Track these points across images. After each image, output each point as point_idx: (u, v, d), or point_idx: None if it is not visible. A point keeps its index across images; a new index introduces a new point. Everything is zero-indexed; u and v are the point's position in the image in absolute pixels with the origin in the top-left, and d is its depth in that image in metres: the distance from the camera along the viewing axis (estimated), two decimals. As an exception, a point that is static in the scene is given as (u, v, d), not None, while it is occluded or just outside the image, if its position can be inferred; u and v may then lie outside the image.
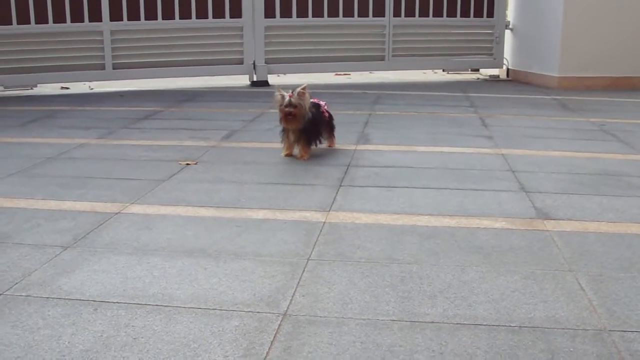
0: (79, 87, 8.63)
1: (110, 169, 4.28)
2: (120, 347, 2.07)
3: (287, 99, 4.36)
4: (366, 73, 9.97)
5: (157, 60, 8.56)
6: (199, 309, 2.32)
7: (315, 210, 3.43)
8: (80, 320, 2.24)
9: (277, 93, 4.44)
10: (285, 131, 4.53)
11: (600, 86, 8.40)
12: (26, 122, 6.04)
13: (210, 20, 8.62)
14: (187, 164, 4.40)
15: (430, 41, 9.44)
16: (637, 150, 4.91)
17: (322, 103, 4.64)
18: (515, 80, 9.49)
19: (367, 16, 9.14)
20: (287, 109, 4.36)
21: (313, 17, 8.95)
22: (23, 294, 2.44)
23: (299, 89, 4.39)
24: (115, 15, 8.28)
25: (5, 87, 8.22)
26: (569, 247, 2.93)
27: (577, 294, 2.46)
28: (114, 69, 8.40)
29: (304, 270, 2.66)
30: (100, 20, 8.22)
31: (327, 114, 4.69)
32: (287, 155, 4.57)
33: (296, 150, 4.57)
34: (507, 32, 9.71)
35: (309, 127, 4.47)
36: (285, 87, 4.45)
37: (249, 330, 2.17)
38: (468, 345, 2.09)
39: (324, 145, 4.76)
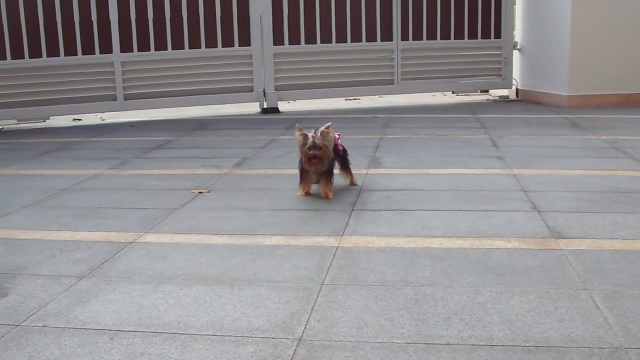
0: (91, 119, 8.70)
1: (124, 199, 4.31)
2: (137, 376, 2.08)
3: (310, 140, 4.04)
4: (376, 97, 10.01)
5: (167, 90, 8.62)
6: (215, 336, 2.33)
7: (328, 235, 3.44)
8: (96, 349, 2.25)
9: (297, 133, 4.15)
10: (304, 172, 4.23)
11: (611, 104, 8.38)
12: (39, 154, 6.09)
13: (220, 49, 8.68)
14: (200, 192, 4.42)
15: (439, 64, 9.46)
16: (649, 167, 4.90)
17: (336, 136, 4.34)
18: (525, 100, 9.49)
19: (375, 41, 9.18)
20: (311, 152, 4.05)
21: (321, 43, 9.00)
22: (39, 324, 2.46)
23: (322, 129, 4.10)
24: (126, 47, 8.35)
25: (18, 120, 8.29)
26: (583, 265, 2.93)
27: (593, 312, 2.45)
28: (125, 99, 8.47)
29: (318, 295, 2.67)
30: (111, 52, 8.30)
31: (341, 148, 4.40)
32: (305, 194, 4.26)
33: (314, 187, 4.31)
34: (515, 53, 9.72)
35: (330, 165, 4.21)
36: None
37: (265, 356, 2.18)
38: (484, 366, 2.08)
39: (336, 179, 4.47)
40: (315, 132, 4.09)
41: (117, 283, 2.86)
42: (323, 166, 4.15)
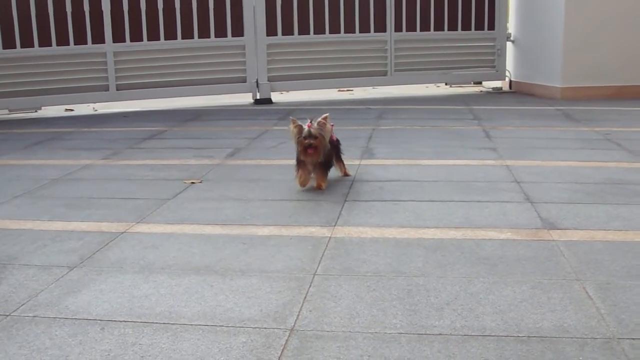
0: (83, 109, 8.66)
1: (116, 189, 4.29)
2: (128, 366, 2.07)
3: (306, 129, 3.98)
4: (369, 88, 9.99)
5: (160, 81, 8.59)
6: (206, 326, 2.32)
7: (321, 226, 3.43)
8: (87, 339, 2.24)
9: (291, 126, 4.08)
10: (301, 163, 4.15)
11: (604, 96, 8.38)
12: (31, 144, 6.07)
13: (212, 40, 8.65)
14: (192, 182, 4.41)
15: (432, 55, 9.44)
16: (642, 158, 4.90)
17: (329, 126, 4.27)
18: (518, 91, 9.49)
19: (369, 32, 9.16)
20: (307, 141, 3.98)
21: (315, 34, 8.98)
22: (30, 314, 2.44)
23: (319, 119, 4.03)
24: (118, 37, 8.31)
25: (9, 110, 8.25)
26: (575, 256, 2.93)
27: (585, 302, 2.45)
28: (117, 90, 8.43)
29: (310, 285, 2.66)
30: (103, 42, 8.26)
31: (335, 138, 4.33)
32: (302, 185, 4.16)
33: (311, 181, 4.24)
34: (509, 44, 9.71)
35: (326, 157, 4.16)
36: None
37: (257, 346, 2.17)
38: (476, 357, 2.08)
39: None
40: (311, 122, 4.03)
41: (108, 273, 2.85)
42: (319, 157, 4.08)
